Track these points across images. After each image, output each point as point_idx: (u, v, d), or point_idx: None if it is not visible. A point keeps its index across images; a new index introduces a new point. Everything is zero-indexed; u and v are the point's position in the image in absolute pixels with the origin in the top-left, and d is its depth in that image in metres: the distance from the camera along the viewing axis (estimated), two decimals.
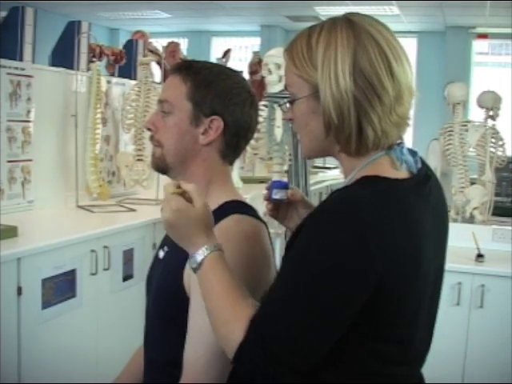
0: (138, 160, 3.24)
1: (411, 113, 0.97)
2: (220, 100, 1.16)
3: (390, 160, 0.96)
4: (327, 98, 0.92)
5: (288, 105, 1.01)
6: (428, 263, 0.94)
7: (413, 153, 0.99)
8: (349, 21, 0.94)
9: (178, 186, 0.98)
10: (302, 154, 2.68)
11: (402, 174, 0.95)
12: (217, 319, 0.94)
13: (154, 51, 3.74)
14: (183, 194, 0.98)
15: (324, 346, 0.89)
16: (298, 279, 0.87)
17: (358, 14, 0.97)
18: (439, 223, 1.01)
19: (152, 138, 1.21)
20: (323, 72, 0.92)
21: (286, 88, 1.00)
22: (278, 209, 1.19)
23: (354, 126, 0.92)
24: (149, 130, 1.21)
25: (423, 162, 1.01)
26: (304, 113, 0.97)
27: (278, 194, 1.15)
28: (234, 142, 1.19)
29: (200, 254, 0.96)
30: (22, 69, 2.68)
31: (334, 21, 0.95)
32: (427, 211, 0.95)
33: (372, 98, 0.91)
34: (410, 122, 0.98)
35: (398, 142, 0.97)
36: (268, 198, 1.16)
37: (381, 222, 0.86)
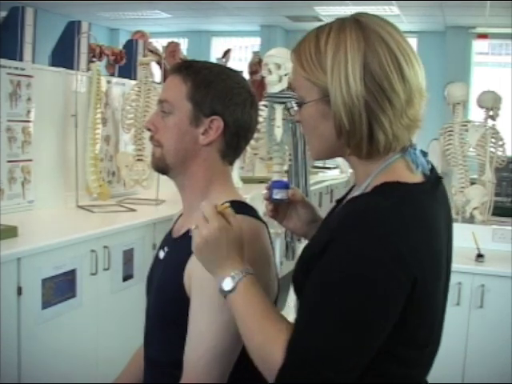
0: (138, 160, 3.24)
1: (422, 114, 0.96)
2: (220, 100, 1.16)
3: (406, 163, 0.95)
4: (338, 102, 0.91)
5: (296, 107, 1.00)
6: (443, 266, 0.95)
7: (424, 153, 0.98)
8: (358, 22, 0.92)
9: (225, 207, 0.97)
10: (302, 154, 2.68)
11: (417, 177, 0.95)
12: (253, 342, 0.93)
13: (154, 51, 3.74)
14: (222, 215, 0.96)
15: (365, 358, 0.87)
16: (332, 296, 0.85)
17: (366, 14, 0.95)
18: (449, 223, 1.01)
19: (152, 138, 1.21)
20: (333, 76, 0.90)
21: (292, 90, 0.99)
22: (278, 209, 1.19)
23: (365, 131, 0.91)
24: (149, 130, 1.21)
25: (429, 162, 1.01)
26: (313, 116, 0.96)
27: (278, 194, 1.15)
28: (234, 142, 1.19)
29: (234, 278, 0.94)
30: (22, 69, 2.68)
31: (342, 22, 0.93)
32: (441, 214, 0.96)
33: (383, 102, 0.90)
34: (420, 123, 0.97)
35: (411, 144, 0.96)
36: (268, 198, 1.16)
37: (407, 230, 0.86)
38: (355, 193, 0.97)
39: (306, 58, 0.93)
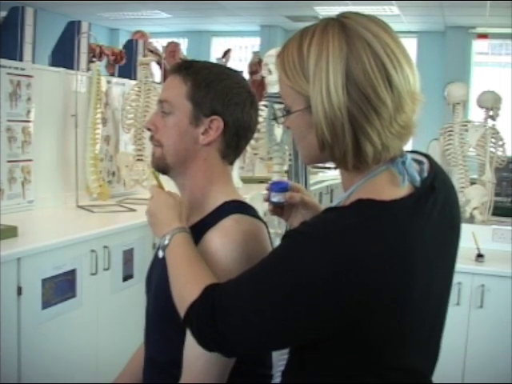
0: (138, 160, 3.24)
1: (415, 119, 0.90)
2: (220, 100, 1.15)
3: (390, 176, 0.89)
4: (319, 114, 0.85)
5: (283, 115, 0.96)
6: (429, 281, 0.89)
7: (418, 161, 0.93)
8: (342, 25, 0.86)
9: (160, 186, 1.15)
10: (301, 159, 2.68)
11: (402, 191, 0.88)
12: (178, 284, 0.98)
13: (154, 51, 3.74)
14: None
15: (261, 345, 0.91)
16: (268, 281, 0.86)
17: (353, 14, 0.89)
18: (449, 231, 0.96)
19: (152, 138, 1.21)
20: (314, 86, 0.85)
21: (280, 98, 0.96)
22: (283, 207, 1.18)
23: (349, 144, 0.85)
24: (149, 130, 1.21)
25: (433, 165, 0.95)
26: (299, 126, 0.92)
27: (275, 197, 1.14)
28: (234, 142, 1.19)
29: (169, 234, 1.04)
30: (22, 69, 2.68)
31: (326, 24, 0.88)
32: (428, 229, 0.88)
33: (368, 112, 0.84)
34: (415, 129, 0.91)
35: (401, 153, 0.91)
36: (268, 200, 1.16)
37: (364, 255, 0.81)
38: (334, 202, 0.95)
39: (289, 65, 0.89)
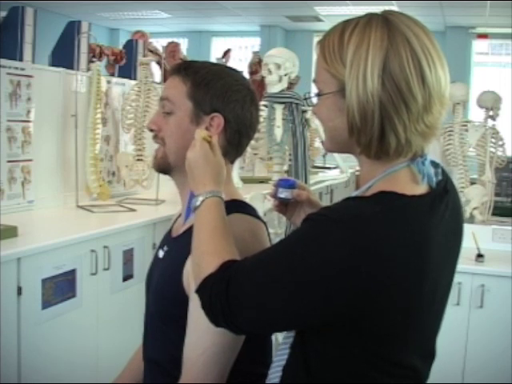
0: (138, 160, 3.24)
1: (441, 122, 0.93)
2: (220, 97, 1.16)
3: (411, 173, 0.93)
4: (352, 98, 0.89)
5: (315, 99, 1.00)
6: (437, 282, 0.92)
7: (435, 164, 0.96)
8: (386, 20, 0.91)
9: (209, 136, 1.09)
10: (302, 154, 2.68)
11: (420, 188, 0.92)
12: (199, 250, 0.99)
13: (153, 51, 3.74)
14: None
15: (271, 325, 0.93)
16: (285, 263, 0.87)
17: (397, 12, 0.94)
18: (454, 235, 0.99)
19: (156, 137, 1.21)
20: (351, 70, 0.89)
21: (313, 81, 0.99)
22: (287, 205, 1.19)
23: (376, 131, 0.89)
24: (151, 130, 1.21)
25: (444, 172, 0.99)
26: (329, 108, 0.94)
27: (283, 193, 1.15)
28: (235, 140, 1.19)
29: (203, 195, 1.03)
30: (22, 69, 2.68)
31: (370, 18, 0.92)
32: (440, 228, 0.92)
33: (399, 104, 0.87)
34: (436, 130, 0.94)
35: (422, 152, 0.94)
36: (274, 196, 1.17)
37: (385, 244, 0.84)
38: (354, 193, 0.97)
39: (328, 50, 0.92)
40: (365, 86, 0.88)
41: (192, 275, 1.00)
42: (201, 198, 1.03)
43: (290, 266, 0.86)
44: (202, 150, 1.07)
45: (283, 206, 1.18)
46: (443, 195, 0.95)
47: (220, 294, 0.91)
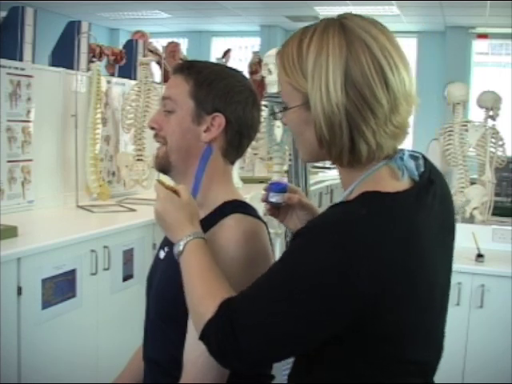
0: (138, 160, 3.24)
1: (410, 120, 0.92)
2: (222, 98, 1.16)
3: (390, 170, 0.92)
4: (318, 111, 0.88)
5: (281, 112, 0.98)
6: (434, 275, 0.91)
7: (415, 157, 0.95)
8: (342, 25, 0.88)
9: (168, 186, 1.07)
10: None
11: (403, 184, 0.91)
12: (193, 297, 0.96)
13: (153, 51, 3.74)
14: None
15: (286, 352, 0.90)
16: (282, 283, 0.86)
17: (353, 15, 0.91)
18: (445, 225, 0.97)
19: (156, 136, 1.21)
20: (314, 83, 0.87)
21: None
22: (279, 208, 1.19)
23: (346, 141, 0.88)
24: (152, 128, 1.21)
25: (426, 160, 0.97)
26: (297, 122, 0.94)
27: (274, 198, 1.14)
28: (236, 141, 1.19)
29: (183, 240, 1.00)
30: (22, 69, 2.68)
31: (326, 24, 0.90)
32: (430, 220, 0.91)
33: (365, 112, 0.86)
34: (409, 129, 0.93)
35: (395, 151, 0.93)
36: (265, 200, 1.16)
37: (376, 244, 0.82)
38: (338, 199, 0.96)
39: (288, 62, 0.91)
40: (329, 97, 0.86)
41: (193, 320, 0.97)
42: (182, 243, 0.99)
43: (287, 285, 0.85)
44: (167, 198, 1.04)
45: (276, 209, 1.17)
46: (428, 186, 0.93)
47: (227, 336, 0.87)
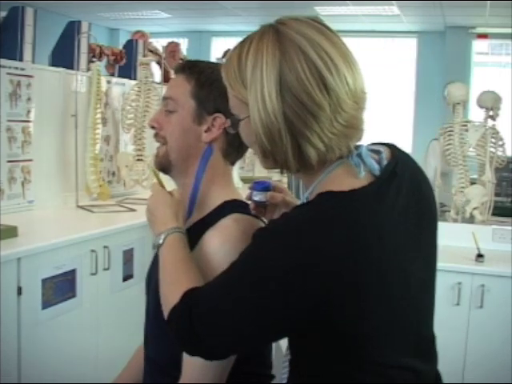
0: (138, 160, 3.24)
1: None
2: (223, 98, 1.16)
3: (347, 169, 0.90)
4: (256, 121, 0.87)
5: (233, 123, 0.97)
6: (403, 267, 0.88)
7: (376, 151, 0.93)
8: (276, 31, 0.87)
9: (160, 184, 1.15)
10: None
11: (361, 181, 0.88)
12: (164, 285, 1.01)
13: (153, 51, 3.75)
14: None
15: (239, 344, 0.91)
16: (238, 277, 0.88)
17: (289, 19, 0.90)
18: (419, 214, 0.94)
19: (157, 135, 1.21)
20: (251, 94, 0.87)
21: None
22: (266, 207, 1.18)
23: (289, 149, 0.87)
24: (152, 128, 1.21)
25: (395, 154, 0.94)
26: (247, 133, 0.93)
27: (257, 196, 1.14)
28: (236, 141, 1.19)
29: (164, 233, 1.05)
30: (22, 69, 2.68)
31: (262, 32, 0.88)
32: (393, 215, 0.88)
33: (305, 117, 0.84)
34: (366, 126, 0.91)
35: (350, 150, 0.90)
36: (250, 198, 1.16)
37: (327, 244, 0.81)
38: (299, 202, 0.97)
39: (230, 75, 0.90)
40: (265, 106, 0.85)
41: (162, 302, 1.01)
42: (163, 236, 1.05)
43: (242, 285, 0.86)
44: (160, 195, 1.11)
45: (261, 208, 1.16)
46: (391, 180, 0.90)
47: (185, 323, 0.91)
